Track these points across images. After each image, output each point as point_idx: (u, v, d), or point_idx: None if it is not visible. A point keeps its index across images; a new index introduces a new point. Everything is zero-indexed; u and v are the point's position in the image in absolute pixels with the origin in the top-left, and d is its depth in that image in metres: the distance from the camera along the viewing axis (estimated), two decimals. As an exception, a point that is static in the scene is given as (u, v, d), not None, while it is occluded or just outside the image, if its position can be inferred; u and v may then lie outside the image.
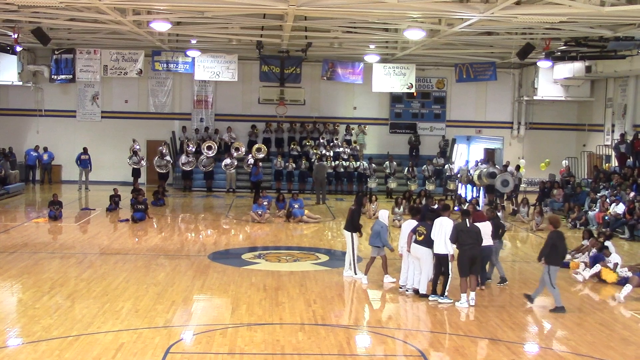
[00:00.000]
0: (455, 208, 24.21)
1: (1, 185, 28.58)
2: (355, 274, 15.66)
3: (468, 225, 13.84)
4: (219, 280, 15.36)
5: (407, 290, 14.50)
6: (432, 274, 14.27)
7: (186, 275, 15.84)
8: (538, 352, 11.38)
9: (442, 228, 13.88)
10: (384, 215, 15.51)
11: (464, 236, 13.68)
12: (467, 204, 22.37)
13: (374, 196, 26.64)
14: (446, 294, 13.98)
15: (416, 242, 14.16)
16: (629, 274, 16.07)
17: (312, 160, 32.28)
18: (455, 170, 32.32)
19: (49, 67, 31.63)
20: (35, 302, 13.21)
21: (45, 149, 33.37)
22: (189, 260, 17.56)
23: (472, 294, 13.85)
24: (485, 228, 14.41)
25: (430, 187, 30.97)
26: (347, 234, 15.72)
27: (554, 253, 13.57)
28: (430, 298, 14.00)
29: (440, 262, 14.02)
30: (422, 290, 14.22)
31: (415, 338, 11.78)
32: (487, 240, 14.38)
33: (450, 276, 14.07)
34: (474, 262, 13.75)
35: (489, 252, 14.73)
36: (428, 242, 14.00)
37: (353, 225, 15.67)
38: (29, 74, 33.06)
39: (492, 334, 12.16)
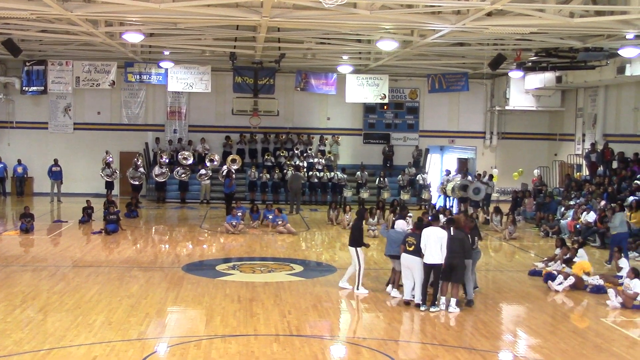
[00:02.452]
0: (429, 218, 24.26)
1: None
2: (357, 289, 15.38)
3: (452, 233, 14.04)
4: (193, 292, 15.27)
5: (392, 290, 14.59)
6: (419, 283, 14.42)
7: (160, 287, 15.73)
8: (512, 361, 11.46)
9: (437, 238, 13.97)
10: (401, 225, 15.59)
11: (450, 243, 13.93)
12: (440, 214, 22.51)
13: (347, 206, 26.65)
14: (436, 302, 14.16)
15: (407, 252, 14.25)
16: (601, 282, 16.22)
17: (285, 171, 32.27)
18: (439, 183, 32.56)
19: (20, 79, 31.35)
20: (6, 316, 13.02)
21: (19, 162, 32.94)
22: (162, 272, 17.43)
23: (453, 301, 13.96)
24: None
25: (405, 196, 31.13)
26: (352, 249, 15.43)
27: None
28: (422, 308, 14.04)
29: (434, 271, 14.07)
30: (418, 300, 14.22)
31: (390, 348, 11.77)
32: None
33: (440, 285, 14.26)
34: (453, 269, 13.91)
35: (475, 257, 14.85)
36: (419, 252, 14.09)
37: (355, 240, 15.42)
38: (0, 86, 32.74)
39: (467, 343, 12.20)
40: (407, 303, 14.37)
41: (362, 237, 15.49)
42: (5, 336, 11.75)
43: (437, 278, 14.18)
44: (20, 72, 31.18)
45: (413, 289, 14.40)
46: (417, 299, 14.22)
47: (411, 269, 14.24)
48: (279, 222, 24.31)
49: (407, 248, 14.27)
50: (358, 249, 15.27)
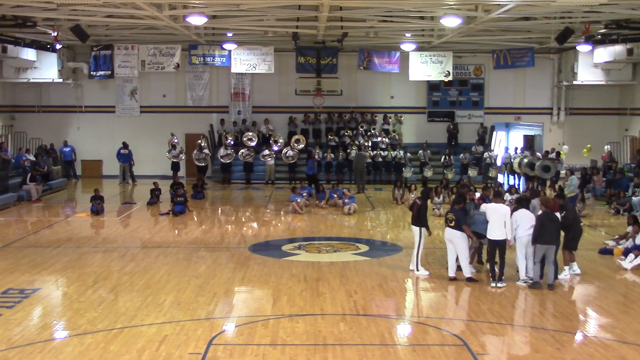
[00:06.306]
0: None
1: (44, 181, 29.00)
2: (417, 270, 15.25)
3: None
4: (260, 272, 15.42)
5: (524, 282, 14.32)
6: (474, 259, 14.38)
7: (227, 267, 15.94)
8: (583, 341, 11.22)
9: (499, 214, 14.04)
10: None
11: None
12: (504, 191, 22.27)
13: (413, 185, 26.51)
14: (502, 278, 14.20)
15: (449, 226, 14.48)
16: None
17: (349, 150, 32.23)
18: (500, 162, 32.08)
19: (88, 64, 31.98)
20: (80, 296, 13.41)
21: (126, 145, 32.79)
22: (229, 253, 17.66)
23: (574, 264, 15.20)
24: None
25: (472, 173, 30.90)
26: (415, 229, 15.25)
27: (540, 232, 13.93)
28: (491, 285, 14.14)
29: (498, 247, 14.11)
30: (467, 274, 14.43)
31: (457, 327, 11.71)
32: None
33: (505, 261, 14.24)
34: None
35: None
36: (459, 226, 14.29)
37: (420, 221, 15.20)
38: (69, 71, 33.49)
39: (536, 322, 12.05)
40: (453, 279, 14.48)
41: (427, 217, 15.38)
42: (79, 315, 12.10)
43: (503, 255, 14.15)
44: (88, 57, 31.80)
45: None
46: (467, 273, 14.49)
47: (453, 242, 14.43)
48: (346, 200, 24.32)
49: (449, 223, 14.46)
50: (422, 228, 15.17)
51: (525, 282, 14.19)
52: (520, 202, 14.70)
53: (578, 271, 15.20)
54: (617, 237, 18.57)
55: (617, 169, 28.18)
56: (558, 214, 14.64)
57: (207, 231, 21.01)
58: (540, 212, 14.19)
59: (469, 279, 14.37)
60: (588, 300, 13.84)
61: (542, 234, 13.87)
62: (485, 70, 34.93)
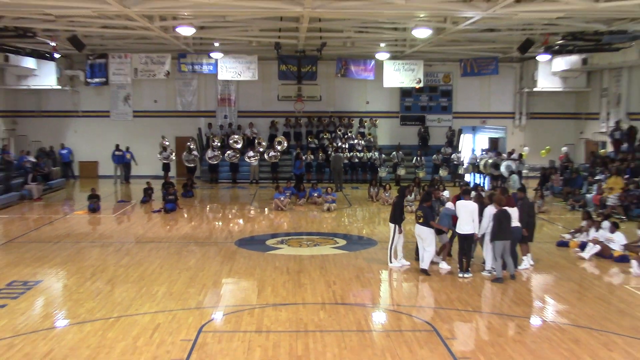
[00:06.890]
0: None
1: (45, 181, 28.86)
2: (390, 262, 15.38)
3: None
4: (246, 265, 15.50)
5: (489, 273, 14.44)
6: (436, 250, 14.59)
7: (215, 260, 16.00)
8: (541, 325, 11.43)
9: (467, 211, 14.24)
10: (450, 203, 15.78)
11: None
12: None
13: (387, 184, 26.67)
14: (469, 269, 14.45)
15: (419, 223, 14.59)
16: (626, 252, 16.06)
17: (329, 152, 32.33)
18: (466, 162, 32.26)
19: (84, 72, 31.77)
20: (79, 287, 13.42)
21: (127, 149, 32.97)
22: (217, 247, 17.71)
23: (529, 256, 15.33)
24: (514, 213, 14.57)
25: (443, 173, 31.11)
26: (392, 225, 15.35)
27: (498, 229, 13.97)
28: (459, 275, 14.35)
29: (466, 241, 14.31)
30: (425, 266, 14.59)
31: (427, 314, 11.86)
32: (515, 223, 14.49)
33: (471, 255, 14.59)
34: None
35: (517, 234, 14.74)
36: (428, 223, 14.45)
37: (394, 217, 15.36)
38: (67, 79, 33.32)
39: (499, 309, 12.24)
40: (424, 271, 14.60)
41: (402, 214, 15.51)
42: (79, 305, 12.13)
43: (470, 248, 14.41)
44: (84, 66, 31.59)
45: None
46: (422, 265, 14.65)
47: (421, 238, 14.58)
48: (329, 199, 24.32)
49: (417, 220, 14.62)
50: (397, 225, 15.30)
51: (489, 273, 14.37)
52: (491, 199, 14.92)
53: (531, 262, 15.43)
54: (572, 230, 18.82)
55: (573, 168, 28.48)
56: (516, 209, 14.78)
57: (196, 227, 21.03)
58: (494, 210, 14.29)
59: (423, 270, 14.54)
60: (546, 288, 14.05)
61: (500, 231, 13.99)
62: (453, 77, 35.15)
